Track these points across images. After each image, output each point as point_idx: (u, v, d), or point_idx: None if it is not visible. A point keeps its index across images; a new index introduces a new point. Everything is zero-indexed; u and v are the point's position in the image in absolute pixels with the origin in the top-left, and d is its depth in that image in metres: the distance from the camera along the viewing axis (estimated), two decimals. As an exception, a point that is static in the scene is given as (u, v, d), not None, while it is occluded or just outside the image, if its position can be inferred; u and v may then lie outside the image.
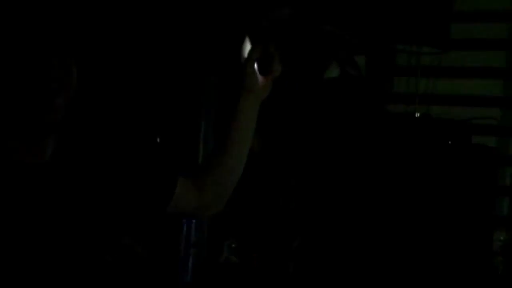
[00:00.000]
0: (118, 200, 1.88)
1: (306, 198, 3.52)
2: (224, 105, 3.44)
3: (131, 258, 3.19)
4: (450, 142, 3.35)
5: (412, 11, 3.44)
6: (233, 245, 3.44)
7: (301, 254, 3.49)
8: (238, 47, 2.14)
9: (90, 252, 1.84)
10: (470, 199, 3.32)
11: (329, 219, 3.42)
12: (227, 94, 3.33)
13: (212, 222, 3.47)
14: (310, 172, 3.52)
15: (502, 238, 3.55)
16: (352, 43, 3.45)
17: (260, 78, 2.05)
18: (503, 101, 3.86)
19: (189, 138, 3.51)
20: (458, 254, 3.28)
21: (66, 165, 1.80)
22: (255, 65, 2.03)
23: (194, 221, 3.36)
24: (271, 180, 3.59)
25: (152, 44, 3.54)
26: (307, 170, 3.54)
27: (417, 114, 3.49)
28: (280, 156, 3.59)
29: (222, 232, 3.48)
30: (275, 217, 3.54)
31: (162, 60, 3.57)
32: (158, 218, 3.20)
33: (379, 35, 3.69)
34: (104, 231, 1.86)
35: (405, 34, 3.50)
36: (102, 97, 3.39)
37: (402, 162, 3.32)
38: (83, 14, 1.80)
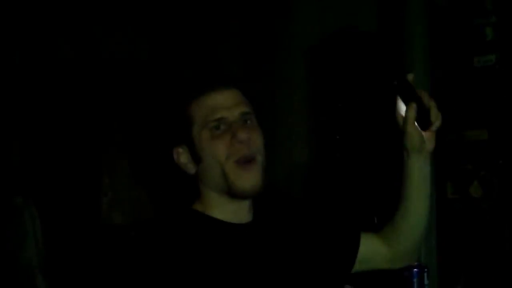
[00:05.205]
0: (311, 261, 2.00)
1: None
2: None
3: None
4: None
5: None
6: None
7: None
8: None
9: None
10: None
11: None
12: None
13: (443, 270, 3.51)
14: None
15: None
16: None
17: (422, 133, 1.93)
18: None
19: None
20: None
21: (264, 226, 1.97)
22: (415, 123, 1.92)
23: (426, 269, 3.37)
24: (497, 225, 3.52)
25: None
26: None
27: None
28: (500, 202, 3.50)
29: (451, 279, 3.49)
30: (506, 263, 3.48)
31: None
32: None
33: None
34: None
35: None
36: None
37: None
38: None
